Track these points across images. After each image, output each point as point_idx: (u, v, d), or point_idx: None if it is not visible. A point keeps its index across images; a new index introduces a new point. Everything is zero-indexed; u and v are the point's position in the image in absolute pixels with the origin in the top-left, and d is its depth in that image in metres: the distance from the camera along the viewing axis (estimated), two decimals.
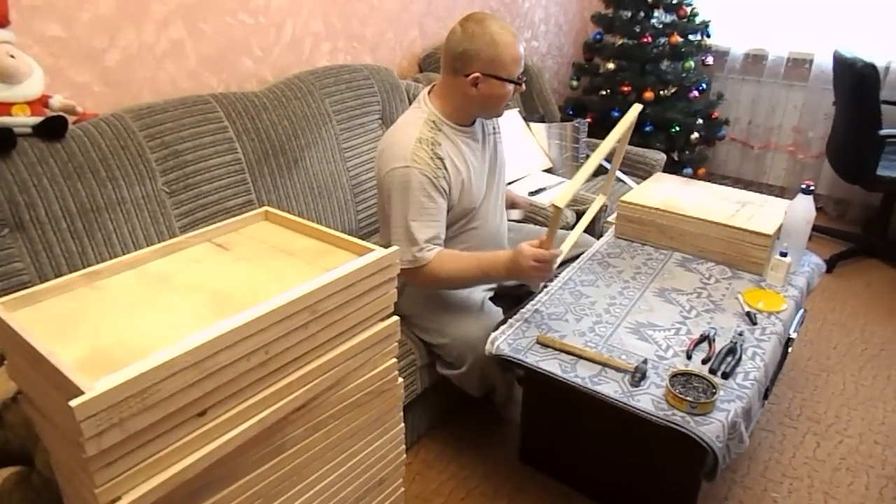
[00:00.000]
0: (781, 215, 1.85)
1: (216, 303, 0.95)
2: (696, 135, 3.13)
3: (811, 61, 3.23)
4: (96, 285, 0.99)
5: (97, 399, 0.71)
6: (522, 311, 1.68)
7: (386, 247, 1.09)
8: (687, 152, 3.22)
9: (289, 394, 0.94)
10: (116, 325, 0.90)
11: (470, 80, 1.59)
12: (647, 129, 3.10)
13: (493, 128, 1.83)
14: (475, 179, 1.71)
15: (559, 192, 1.47)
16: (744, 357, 1.50)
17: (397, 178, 1.58)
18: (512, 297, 1.96)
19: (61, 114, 1.54)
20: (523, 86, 1.69)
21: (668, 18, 3.15)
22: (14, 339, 0.83)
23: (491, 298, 1.86)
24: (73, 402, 0.69)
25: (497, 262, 1.60)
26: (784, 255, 1.75)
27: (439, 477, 1.81)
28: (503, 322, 1.64)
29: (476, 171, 1.72)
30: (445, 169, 1.61)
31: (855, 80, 2.51)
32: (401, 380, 1.17)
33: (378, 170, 1.67)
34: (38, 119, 1.49)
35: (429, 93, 1.71)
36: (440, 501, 1.73)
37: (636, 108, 1.80)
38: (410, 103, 2.33)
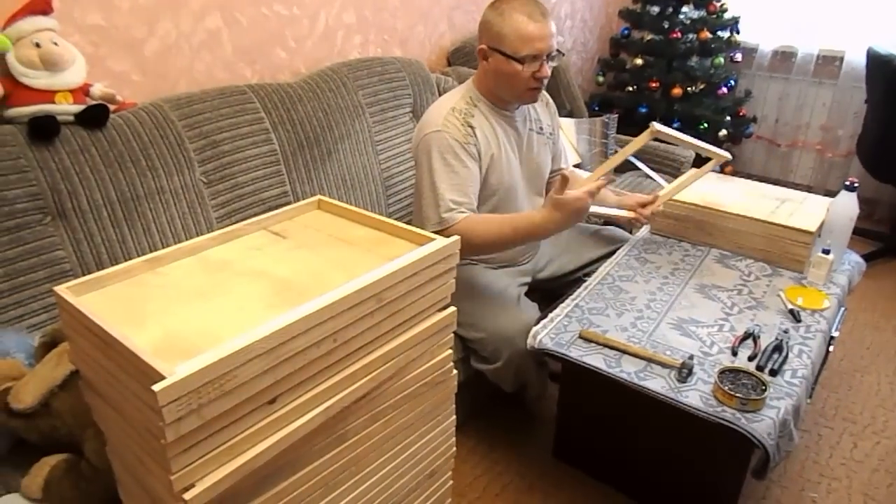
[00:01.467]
0: (822, 212, 1.83)
1: (280, 290, 0.94)
2: (723, 132, 3.11)
3: (842, 59, 3.19)
4: (158, 271, 0.98)
5: (179, 384, 0.70)
6: (562, 305, 1.66)
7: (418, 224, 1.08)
8: None
9: (352, 383, 0.93)
10: (183, 310, 0.89)
11: (479, 52, 1.61)
12: (675, 125, 3.07)
13: (543, 127, 1.82)
14: (506, 162, 1.71)
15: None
16: (790, 355, 1.48)
17: (428, 142, 1.60)
18: (544, 292, 1.95)
19: (102, 102, 1.54)
20: (545, 69, 1.59)
21: (697, 14, 3.12)
22: (83, 324, 0.82)
23: (525, 294, 1.85)
24: (157, 387, 0.68)
25: (532, 217, 1.56)
26: (827, 252, 1.73)
27: (473, 472, 1.80)
28: (543, 316, 1.62)
29: (509, 155, 1.71)
30: (476, 137, 1.62)
31: (891, 77, 2.48)
32: (455, 372, 1.16)
33: (413, 141, 1.69)
34: (80, 107, 1.49)
35: (473, 76, 1.73)
36: (475, 496, 1.73)
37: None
38: (441, 96, 2.33)
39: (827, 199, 1.92)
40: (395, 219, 2.15)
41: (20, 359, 1.22)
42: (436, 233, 1.54)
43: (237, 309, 0.90)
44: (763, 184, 2.09)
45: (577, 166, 2.65)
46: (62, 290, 0.87)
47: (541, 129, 1.82)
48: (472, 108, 1.65)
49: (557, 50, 1.62)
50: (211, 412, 0.75)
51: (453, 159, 1.58)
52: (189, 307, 0.90)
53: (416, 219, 1.75)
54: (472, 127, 1.61)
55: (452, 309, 1.10)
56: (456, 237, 1.05)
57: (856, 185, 1.76)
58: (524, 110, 1.76)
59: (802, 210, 1.86)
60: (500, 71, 1.60)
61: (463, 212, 1.59)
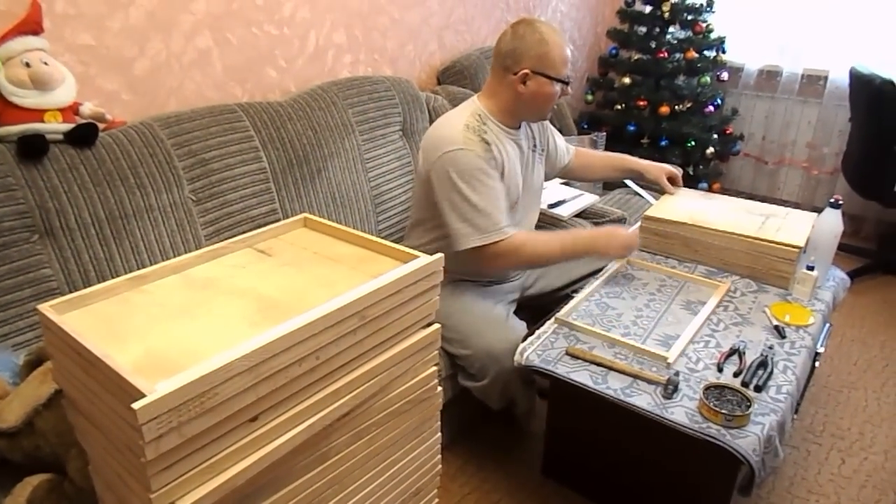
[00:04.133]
0: (807, 228, 1.85)
1: (264, 308, 0.95)
2: (711, 150, 3.14)
3: (826, 78, 3.25)
4: (143, 289, 0.98)
5: (159, 402, 0.70)
6: (549, 322, 1.67)
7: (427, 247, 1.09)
8: (702, 167, 3.24)
9: (336, 400, 0.94)
10: (166, 329, 0.90)
11: (519, 76, 1.63)
12: (663, 143, 3.11)
13: (536, 145, 1.85)
14: (513, 179, 1.73)
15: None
16: (775, 371, 1.49)
17: (452, 161, 1.60)
18: (532, 309, 1.95)
19: (92, 121, 1.55)
20: (570, 88, 1.71)
21: (684, 34, 3.18)
22: (66, 342, 0.83)
23: (514, 312, 1.85)
24: (137, 405, 0.68)
25: (580, 234, 1.72)
26: (811, 268, 1.75)
27: (461, 490, 1.79)
28: (531, 333, 1.63)
29: (516, 172, 1.74)
30: (492, 152, 1.64)
31: (873, 96, 2.52)
32: (440, 389, 1.17)
33: (426, 157, 1.68)
34: (69, 126, 1.49)
35: (478, 95, 1.75)
36: None
37: None
38: (430, 115, 2.35)
39: (811, 214, 1.94)
40: (385, 236, 2.18)
41: (4, 377, 1.21)
42: (479, 248, 1.60)
43: (220, 327, 0.90)
44: (746, 200, 2.11)
45: (566, 183, 2.68)
46: (45, 308, 0.87)
47: (534, 146, 1.85)
48: (483, 125, 1.67)
49: None
50: (192, 430, 0.75)
51: (482, 176, 1.60)
52: (172, 325, 0.91)
53: (413, 235, 1.80)
54: (487, 143, 1.64)
55: (437, 326, 1.11)
56: (439, 255, 1.06)
57: (840, 202, 1.79)
58: (525, 129, 1.79)
59: (787, 225, 1.88)
60: (540, 93, 1.64)
61: (511, 227, 1.63)
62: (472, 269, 1.78)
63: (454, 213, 1.62)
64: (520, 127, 1.76)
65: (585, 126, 3.36)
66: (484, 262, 1.65)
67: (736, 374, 1.47)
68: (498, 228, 1.61)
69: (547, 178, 1.99)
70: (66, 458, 1.15)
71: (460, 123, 1.64)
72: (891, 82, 2.46)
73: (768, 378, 1.45)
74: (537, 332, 1.63)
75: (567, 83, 1.67)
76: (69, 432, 1.03)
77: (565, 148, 2.06)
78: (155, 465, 0.73)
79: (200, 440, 0.77)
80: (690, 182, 3.14)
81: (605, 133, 2.83)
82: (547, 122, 1.96)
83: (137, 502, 0.82)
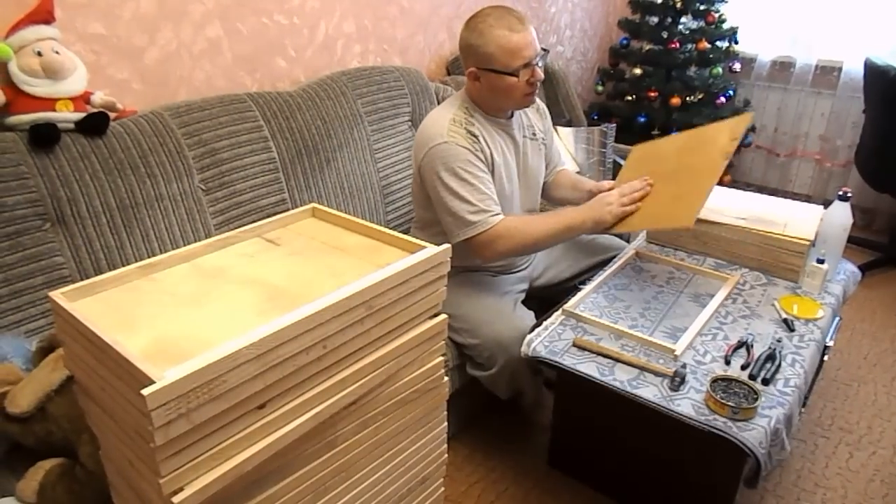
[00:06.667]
0: (815, 221, 1.84)
1: (272, 296, 0.96)
2: None
3: (840, 69, 3.21)
4: (152, 277, 0.99)
5: (168, 388, 0.71)
6: (557, 313, 1.67)
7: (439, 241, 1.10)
8: None
9: (342, 389, 0.95)
10: (175, 316, 0.91)
11: (469, 74, 1.62)
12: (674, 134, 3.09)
13: (534, 134, 1.83)
14: (505, 170, 1.72)
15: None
16: (783, 364, 1.48)
17: (437, 155, 1.59)
18: (541, 300, 1.96)
19: (103, 110, 1.56)
20: (538, 72, 1.61)
21: (696, 24, 3.15)
22: (77, 329, 0.84)
23: (522, 301, 1.85)
24: (146, 391, 0.69)
25: (568, 212, 1.65)
26: (821, 262, 1.74)
27: (468, 479, 1.81)
28: (538, 324, 1.63)
29: (508, 164, 1.73)
30: (480, 143, 1.63)
31: (888, 87, 2.49)
32: (446, 378, 1.17)
33: (415, 155, 1.68)
34: (80, 115, 1.50)
35: (465, 88, 1.74)
36: None
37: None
38: (433, 109, 2.35)
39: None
40: (393, 227, 2.19)
41: (17, 363, 1.23)
42: (469, 240, 1.58)
43: (229, 315, 0.91)
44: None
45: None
46: (57, 295, 0.88)
47: (534, 134, 1.83)
48: (470, 118, 1.65)
49: (542, 48, 1.63)
50: (200, 416, 0.76)
51: (469, 166, 1.59)
52: (181, 313, 0.92)
53: (419, 228, 1.80)
54: (474, 135, 1.62)
55: (443, 316, 1.11)
56: (446, 245, 1.06)
57: (849, 194, 1.77)
58: (518, 117, 1.78)
59: (794, 221, 1.86)
60: (496, 87, 1.62)
61: (496, 214, 1.60)
62: (474, 262, 1.78)
63: (442, 207, 1.62)
64: (512, 116, 1.75)
65: (595, 117, 3.34)
66: (473, 253, 1.63)
67: (743, 367, 1.47)
68: (482, 220, 1.58)
69: None
70: (77, 443, 1.17)
71: (447, 118, 1.63)
72: None
73: (776, 371, 1.45)
74: (544, 324, 1.63)
75: (516, 75, 1.57)
76: (80, 418, 1.04)
77: (559, 160, 2.01)
78: (164, 451, 0.74)
79: (209, 426, 0.78)
80: None
81: (615, 124, 2.80)
82: (549, 123, 1.94)
83: (147, 487, 0.83)
